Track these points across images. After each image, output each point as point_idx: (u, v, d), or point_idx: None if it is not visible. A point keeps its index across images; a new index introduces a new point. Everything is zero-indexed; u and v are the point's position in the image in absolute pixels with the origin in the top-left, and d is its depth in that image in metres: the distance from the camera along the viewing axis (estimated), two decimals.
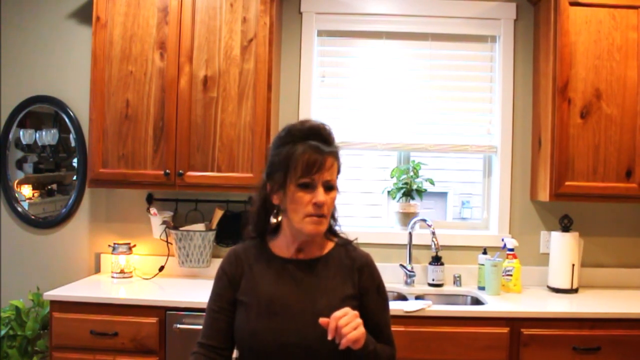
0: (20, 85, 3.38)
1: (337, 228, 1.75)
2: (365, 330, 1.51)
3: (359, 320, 1.48)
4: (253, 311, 1.61)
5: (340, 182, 1.69)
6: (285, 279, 1.65)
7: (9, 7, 3.39)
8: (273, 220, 1.73)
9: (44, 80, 3.37)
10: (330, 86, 3.43)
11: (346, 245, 1.74)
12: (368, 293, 1.68)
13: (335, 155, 1.62)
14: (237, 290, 1.67)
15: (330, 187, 1.60)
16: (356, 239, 1.78)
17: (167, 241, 3.22)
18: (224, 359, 1.66)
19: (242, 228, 3.25)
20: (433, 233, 3.11)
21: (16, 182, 3.41)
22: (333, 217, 1.72)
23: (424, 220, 3.20)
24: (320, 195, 1.56)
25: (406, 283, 3.20)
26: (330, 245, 1.72)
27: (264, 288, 1.64)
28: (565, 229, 3.14)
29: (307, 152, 1.56)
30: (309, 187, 1.57)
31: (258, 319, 1.59)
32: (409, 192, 3.37)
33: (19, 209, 3.38)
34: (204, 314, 2.60)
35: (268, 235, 1.75)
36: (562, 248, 3.09)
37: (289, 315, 1.58)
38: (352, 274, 1.68)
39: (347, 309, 1.48)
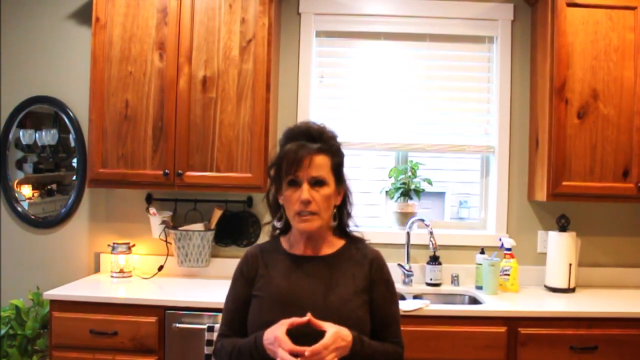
0: (20, 86, 3.38)
1: (352, 227, 1.81)
2: (356, 335, 1.59)
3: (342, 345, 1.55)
4: (266, 304, 1.67)
5: (347, 179, 1.76)
6: (298, 274, 1.70)
7: (9, 7, 3.40)
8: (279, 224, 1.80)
9: (43, 81, 3.38)
10: (328, 87, 3.44)
11: (357, 243, 1.80)
12: (376, 285, 1.72)
13: (324, 151, 1.67)
14: (252, 287, 1.73)
15: (319, 183, 1.64)
16: (368, 240, 1.84)
17: (166, 241, 3.23)
18: None
19: (241, 227, 3.31)
20: (431, 233, 3.12)
21: (16, 182, 3.42)
22: (344, 214, 1.78)
23: (422, 220, 3.21)
24: (305, 192, 1.62)
25: (404, 282, 3.21)
26: (341, 243, 1.79)
27: (277, 282, 1.70)
28: (563, 228, 3.15)
29: (291, 150, 1.64)
30: (295, 184, 1.64)
31: (271, 311, 1.63)
32: (407, 192, 3.38)
33: (19, 209, 3.39)
34: (203, 313, 2.67)
35: (281, 234, 1.82)
36: (560, 248, 3.11)
37: (301, 308, 1.61)
38: (363, 268, 1.72)
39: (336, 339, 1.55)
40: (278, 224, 1.78)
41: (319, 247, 1.74)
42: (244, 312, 1.71)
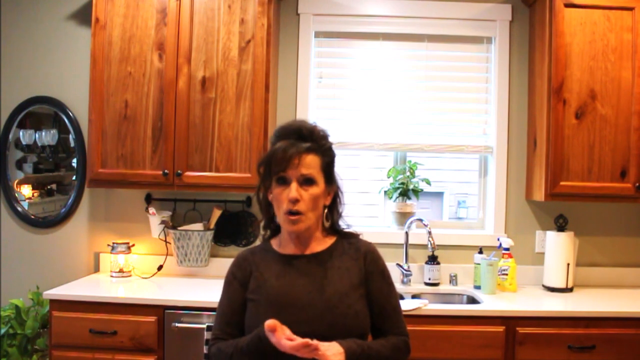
0: (20, 86, 3.39)
1: (342, 225, 1.81)
2: (349, 340, 1.57)
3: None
4: (262, 307, 1.65)
5: (340, 179, 1.76)
6: (292, 274, 1.69)
7: (8, 8, 3.41)
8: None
9: (43, 81, 3.39)
10: (327, 87, 3.45)
11: (349, 238, 1.79)
12: (372, 276, 1.72)
13: (314, 150, 1.67)
14: (246, 291, 1.72)
15: (308, 182, 1.64)
16: (361, 234, 1.84)
17: (165, 240, 3.24)
18: None
19: (240, 227, 3.30)
20: (429, 232, 3.13)
21: (16, 182, 3.43)
22: (334, 214, 1.78)
23: (421, 220, 3.22)
24: (293, 190, 1.62)
25: (403, 282, 3.22)
26: (332, 240, 1.78)
27: (271, 284, 1.68)
28: (561, 228, 3.16)
29: (281, 148, 1.64)
30: (284, 182, 1.64)
31: (268, 313, 1.61)
32: (406, 192, 3.39)
33: (19, 208, 3.40)
34: (202, 312, 2.67)
35: (272, 237, 1.81)
36: (557, 247, 3.12)
37: (299, 307, 1.61)
38: (357, 261, 1.72)
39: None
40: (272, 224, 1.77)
41: (309, 245, 1.74)
42: (240, 315, 1.70)
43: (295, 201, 1.62)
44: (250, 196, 3.31)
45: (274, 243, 1.79)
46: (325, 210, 1.74)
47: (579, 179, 3.00)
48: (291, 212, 1.63)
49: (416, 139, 3.42)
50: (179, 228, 3.19)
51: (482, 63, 3.44)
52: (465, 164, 5.21)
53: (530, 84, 3.31)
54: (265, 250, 1.78)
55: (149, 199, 3.33)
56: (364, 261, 1.73)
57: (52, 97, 3.38)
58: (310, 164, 1.65)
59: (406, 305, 2.68)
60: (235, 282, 1.73)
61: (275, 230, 1.80)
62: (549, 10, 3.00)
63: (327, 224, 1.76)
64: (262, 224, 1.81)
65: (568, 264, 3.09)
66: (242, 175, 2.99)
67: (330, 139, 1.74)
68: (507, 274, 3.10)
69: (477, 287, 3.13)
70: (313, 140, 1.67)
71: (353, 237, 1.81)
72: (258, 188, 1.74)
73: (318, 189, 1.66)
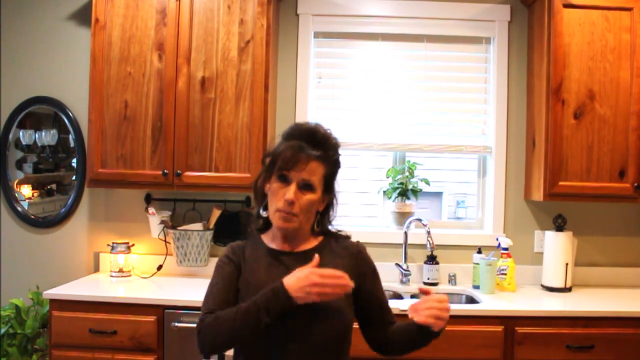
0: (20, 86, 3.40)
1: (330, 228, 1.81)
2: None
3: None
4: (249, 299, 1.64)
5: (339, 188, 1.76)
6: (280, 269, 1.68)
7: (8, 8, 3.41)
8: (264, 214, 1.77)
9: (43, 82, 3.39)
10: (326, 87, 3.46)
11: (336, 237, 1.80)
12: (367, 277, 1.73)
13: (321, 159, 1.67)
14: (239, 276, 1.71)
15: (307, 187, 1.65)
16: (350, 235, 1.84)
17: (165, 240, 3.25)
18: None
19: (240, 227, 3.30)
20: (428, 232, 3.13)
21: (16, 182, 3.44)
22: (325, 220, 1.78)
23: (420, 220, 3.22)
24: (291, 192, 1.62)
25: (402, 282, 3.23)
26: (319, 239, 1.78)
27: (258, 277, 1.68)
28: (559, 228, 3.17)
29: (291, 148, 1.64)
30: (285, 180, 1.65)
31: None
32: (405, 192, 3.40)
33: (19, 208, 3.40)
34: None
35: (262, 232, 1.81)
36: (556, 247, 3.12)
37: None
38: (343, 260, 1.72)
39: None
40: (264, 213, 1.75)
41: (297, 244, 1.74)
42: (235, 294, 1.68)
43: (291, 203, 1.63)
44: (250, 196, 3.32)
45: (265, 237, 1.79)
46: (318, 216, 1.75)
47: (578, 179, 3.01)
48: (282, 210, 1.64)
49: (415, 139, 3.43)
50: (179, 228, 3.20)
51: (481, 63, 3.45)
52: (464, 164, 5.20)
53: (529, 84, 3.31)
54: (255, 244, 1.78)
55: (148, 199, 3.33)
56: (355, 262, 1.74)
57: (52, 97, 3.39)
58: (315, 171, 1.65)
59: (405, 305, 2.67)
60: (231, 264, 1.73)
61: (267, 222, 1.79)
62: (548, 11, 3.00)
63: (317, 229, 1.77)
64: (255, 211, 1.80)
65: (567, 264, 3.10)
66: (242, 175, 2.99)
67: (340, 150, 1.74)
68: (505, 274, 3.11)
69: (476, 287, 3.14)
70: (324, 149, 1.68)
71: (341, 237, 1.81)
72: (259, 175, 1.74)
73: (315, 196, 1.67)
